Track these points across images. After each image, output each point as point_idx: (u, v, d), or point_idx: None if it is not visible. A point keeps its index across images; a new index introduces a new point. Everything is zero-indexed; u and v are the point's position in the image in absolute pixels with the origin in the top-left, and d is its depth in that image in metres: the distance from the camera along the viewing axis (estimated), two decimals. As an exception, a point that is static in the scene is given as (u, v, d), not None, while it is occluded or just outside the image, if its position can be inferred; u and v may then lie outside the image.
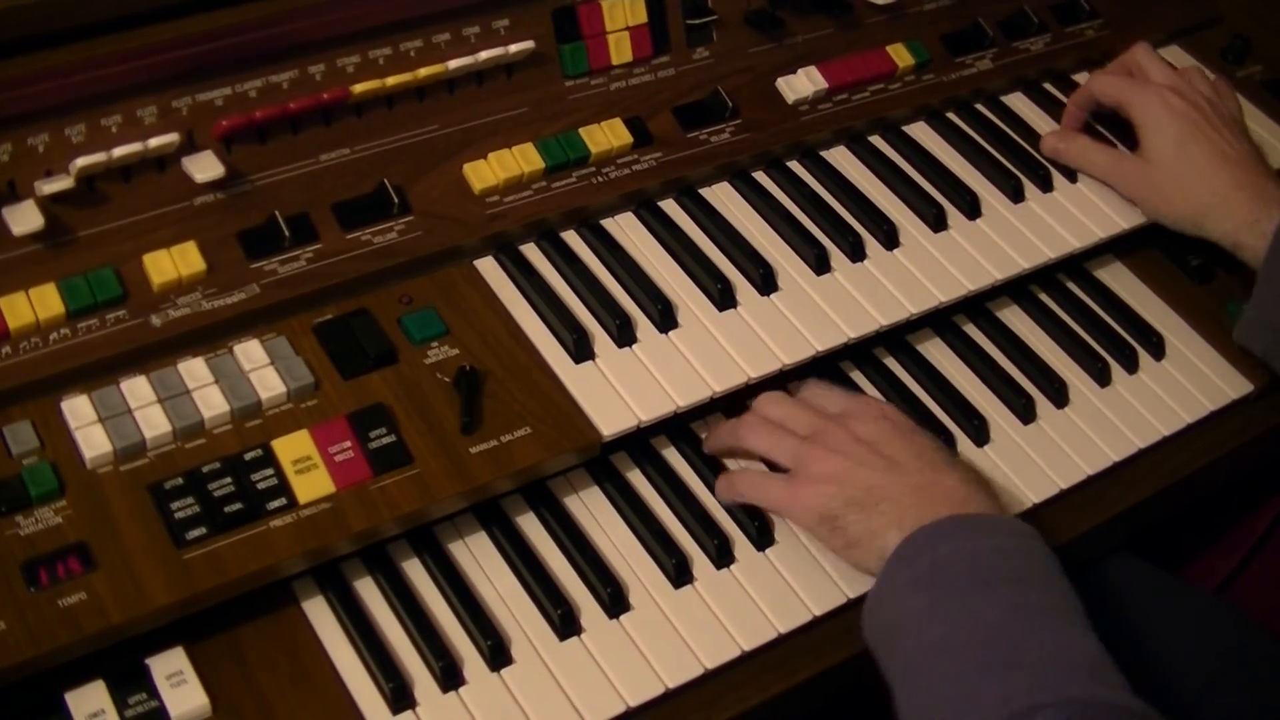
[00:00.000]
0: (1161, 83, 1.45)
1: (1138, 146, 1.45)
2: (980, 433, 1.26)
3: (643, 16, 1.33)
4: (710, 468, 1.20)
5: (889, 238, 1.33)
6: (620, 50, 1.32)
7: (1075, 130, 1.50)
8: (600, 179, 1.28)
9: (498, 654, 1.04)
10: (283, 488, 1.02)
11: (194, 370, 1.07)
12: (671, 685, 1.05)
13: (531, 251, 1.25)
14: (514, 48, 1.25)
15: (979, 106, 1.52)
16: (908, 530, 1.04)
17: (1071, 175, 1.46)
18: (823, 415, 1.16)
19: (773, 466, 1.17)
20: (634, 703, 1.04)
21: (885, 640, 1.02)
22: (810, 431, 1.14)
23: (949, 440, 1.24)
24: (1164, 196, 1.40)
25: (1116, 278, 1.46)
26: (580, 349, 1.17)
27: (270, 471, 1.03)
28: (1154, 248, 1.48)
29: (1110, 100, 1.48)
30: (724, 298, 1.23)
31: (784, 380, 1.26)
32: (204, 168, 1.12)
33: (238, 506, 1.00)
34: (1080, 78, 1.59)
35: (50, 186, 1.07)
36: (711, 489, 1.18)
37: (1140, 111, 1.43)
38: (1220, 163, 1.38)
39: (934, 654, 0.97)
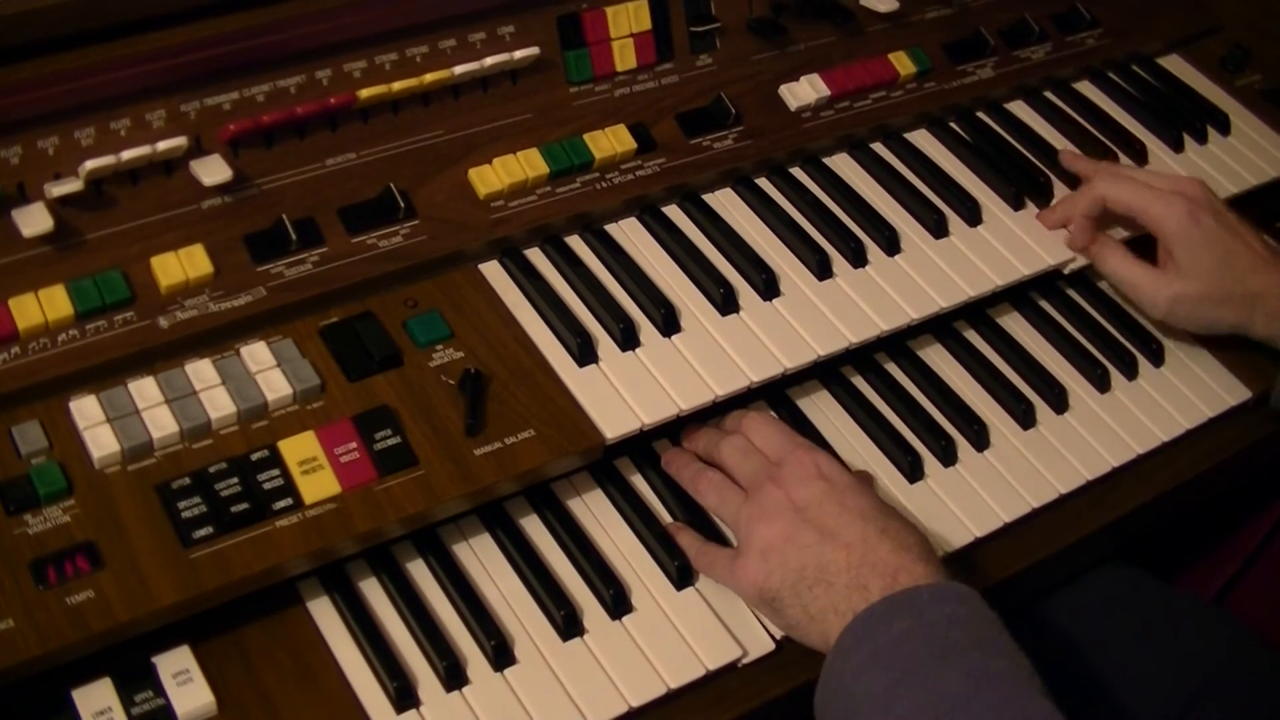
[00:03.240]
0: (1175, 190, 1.37)
1: (1167, 259, 1.37)
2: (980, 438, 1.27)
3: (646, 23, 1.34)
4: (712, 471, 1.21)
5: (890, 244, 1.34)
6: (624, 57, 1.33)
7: (1091, 237, 1.41)
8: (604, 184, 1.29)
9: (501, 654, 1.05)
10: (289, 488, 1.03)
11: (201, 372, 1.08)
12: (673, 686, 1.06)
13: (536, 256, 1.26)
14: (519, 54, 1.25)
15: (980, 114, 1.53)
16: (844, 616, 1.03)
17: (1073, 184, 1.47)
18: (764, 464, 1.15)
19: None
20: (636, 703, 1.04)
21: None
22: (750, 483, 1.13)
23: (949, 446, 1.25)
24: (1209, 310, 1.35)
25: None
26: (584, 352, 1.17)
27: (276, 472, 1.04)
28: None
29: (1123, 209, 1.38)
30: (726, 302, 1.24)
31: (785, 384, 1.27)
32: (211, 171, 1.13)
33: (244, 506, 1.01)
34: (1081, 86, 1.60)
35: (59, 189, 1.07)
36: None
37: (1169, 228, 1.35)
38: (1258, 264, 1.34)
39: None
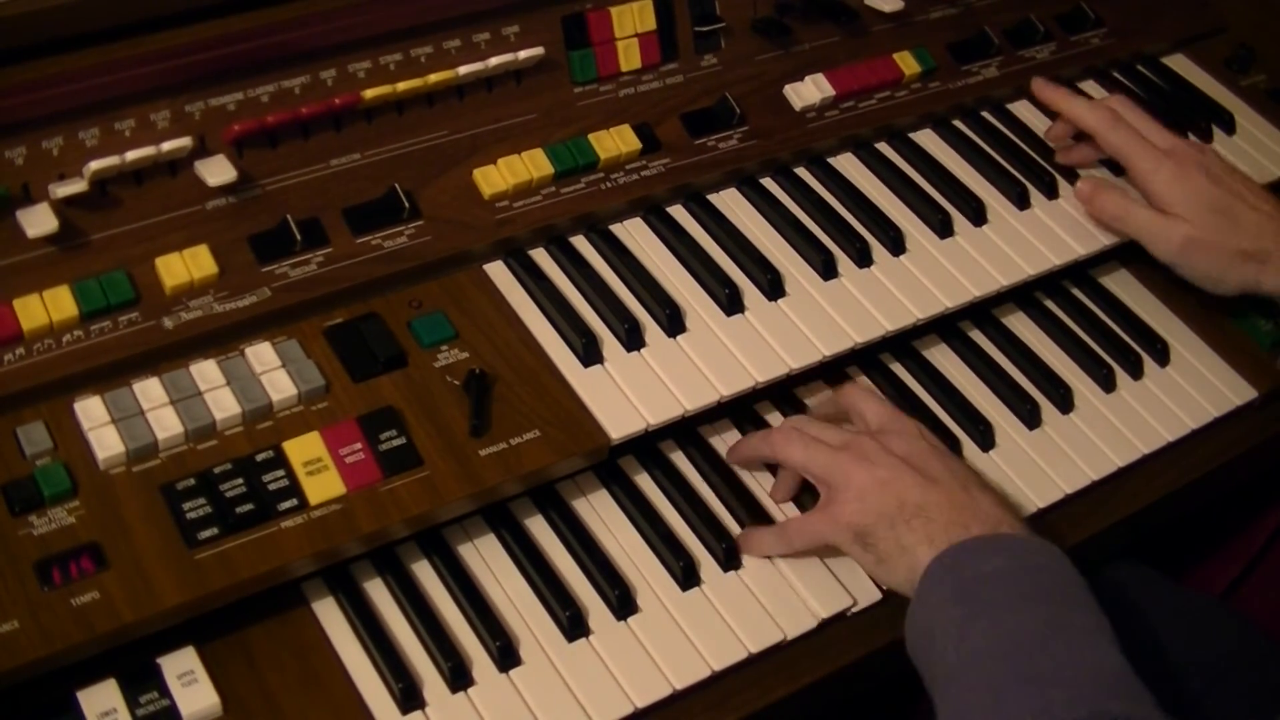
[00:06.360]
0: (1167, 150, 1.39)
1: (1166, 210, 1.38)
2: (985, 438, 1.27)
3: (651, 23, 1.34)
4: (717, 471, 1.21)
5: (895, 244, 1.33)
6: (629, 57, 1.33)
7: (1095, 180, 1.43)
8: (609, 185, 1.29)
9: (506, 655, 1.05)
10: (293, 489, 1.03)
11: (206, 372, 1.08)
12: (679, 686, 1.06)
13: (540, 256, 1.25)
14: (524, 54, 1.25)
15: (985, 114, 1.53)
16: (939, 547, 1.05)
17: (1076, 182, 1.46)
18: (855, 431, 1.16)
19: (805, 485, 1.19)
20: (641, 704, 1.04)
21: (925, 650, 1.03)
22: (843, 444, 1.14)
23: (954, 446, 1.25)
24: (1217, 257, 1.35)
25: (1121, 284, 1.47)
26: (589, 353, 1.17)
27: (281, 473, 1.04)
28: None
29: (1111, 152, 1.43)
30: (731, 303, 1.24)
31: (790, 385, 1.27)
32: (216, 171, 1.13)
33: (249, 507, 1.01)
34: (1087, 85, 1.60)
35: (64, 189, 1.07)
36: (717, 492, 1.20)
37: (1154, 187, 1.37)
38: (1265, 224, 1.34)
39: (974, 663, 0.98)
